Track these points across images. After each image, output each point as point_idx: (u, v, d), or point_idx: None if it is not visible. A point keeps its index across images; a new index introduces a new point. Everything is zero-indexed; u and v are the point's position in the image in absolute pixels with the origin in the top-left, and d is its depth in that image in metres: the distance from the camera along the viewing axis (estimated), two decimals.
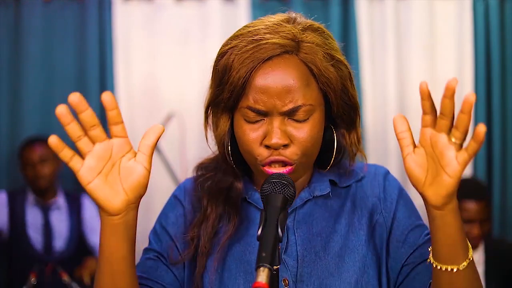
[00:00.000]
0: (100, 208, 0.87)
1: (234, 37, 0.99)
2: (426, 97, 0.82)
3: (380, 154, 3.28)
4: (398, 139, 0.86)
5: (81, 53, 3.22)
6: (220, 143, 1.04)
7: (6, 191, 2.98)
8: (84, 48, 3.22)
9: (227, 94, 0.97)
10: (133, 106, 3.26)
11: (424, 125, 0.84)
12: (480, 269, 2.48)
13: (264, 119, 0.96)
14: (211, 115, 1.04)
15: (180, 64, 3.26)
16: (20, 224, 2.90)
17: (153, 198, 3.04)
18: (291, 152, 0.96)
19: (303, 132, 0.96)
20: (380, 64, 3.29)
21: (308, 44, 0.96)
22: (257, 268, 0.76)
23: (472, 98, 0.77)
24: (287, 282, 1.00)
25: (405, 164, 0.85)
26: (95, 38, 3.19)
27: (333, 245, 1.02)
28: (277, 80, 0.94)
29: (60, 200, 3.00)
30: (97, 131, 0.84)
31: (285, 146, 0.96)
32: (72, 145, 0.85)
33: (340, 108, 1.00)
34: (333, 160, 1.04)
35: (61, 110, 0.80)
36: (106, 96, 0.83)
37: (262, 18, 1.01)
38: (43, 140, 2.95)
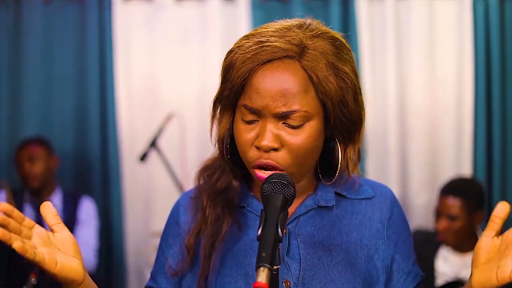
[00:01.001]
0: (68, 283, 0.91)
1: (245, 36, 0.99)
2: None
3: (380, 154, 3.29)
4: (490, 219, 0.93)
5: (81, 53, 3.23)
6: (219, 139, 1.05)
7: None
8: (84, 48, 3.22)
9: (227, 91, 0.98)
10: (133, 106, 3.26)
11: None
12: None
13: (259, 121, 0.96)
14: (218, 110, 1.05)
15: (180, 64, 3.26)
16: None
17: (153, 197, 2.94)
18: (280, 157, 0.95)
19: (296, 139, 0.95)
20: (380, 64, 3.30)
21: (313, 51, 0.95)
22: (257, 268, 0.77)
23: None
24: (288, 284, 0.99)
25: (479, 242, 0.93)
26: (95, 38, 3.20)
27: (335, 255, 1.02)
28: (273, 82, 0.94)
29: (56, 200, 2.98)
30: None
31: (275, 150, 0.95)
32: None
33: (337, 121, 0.99)
34: (337, 173, 1.02)
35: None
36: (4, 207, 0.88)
37: (278, 20, 1.01)
38: (35, 140, 2.96)
